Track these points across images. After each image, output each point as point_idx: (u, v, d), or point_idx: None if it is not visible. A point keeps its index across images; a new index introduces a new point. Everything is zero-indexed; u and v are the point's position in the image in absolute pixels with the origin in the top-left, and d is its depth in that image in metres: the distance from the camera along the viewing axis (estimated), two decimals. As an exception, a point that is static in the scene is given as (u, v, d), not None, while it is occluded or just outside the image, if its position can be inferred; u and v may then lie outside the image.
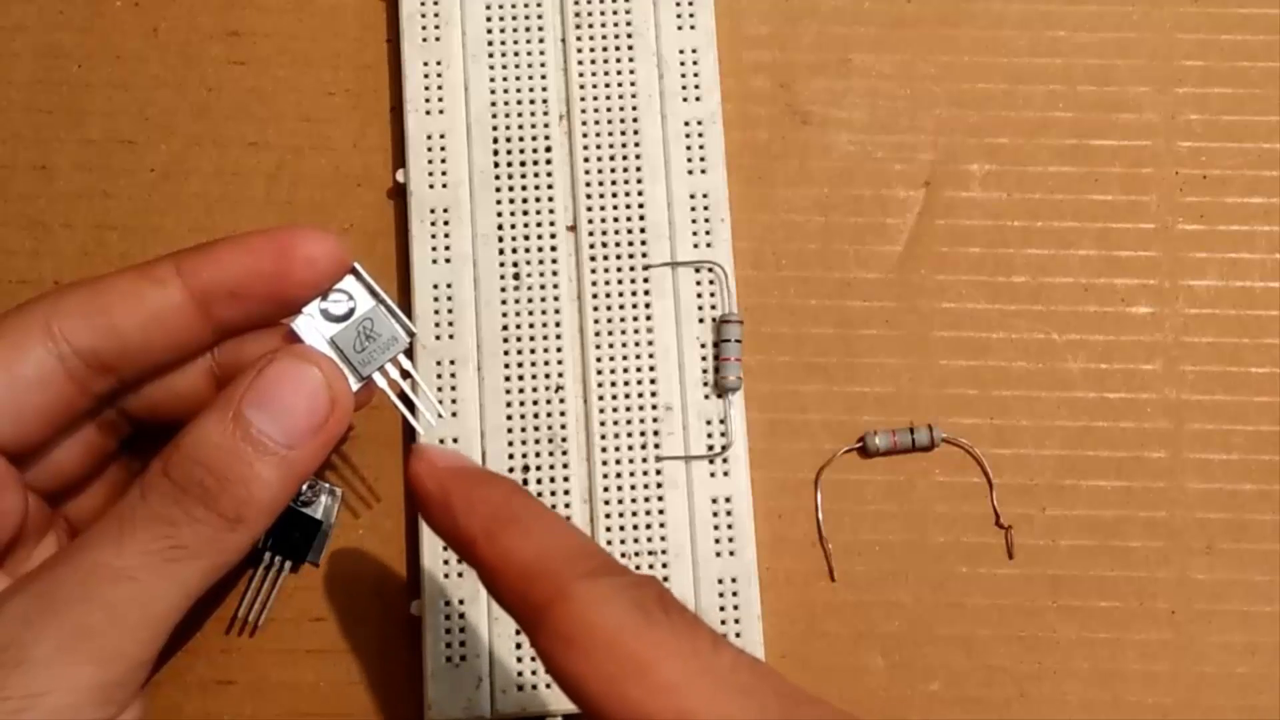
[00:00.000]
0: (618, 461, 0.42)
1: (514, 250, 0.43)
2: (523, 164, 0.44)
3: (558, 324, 0.42)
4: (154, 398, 0.37)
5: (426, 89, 0.44)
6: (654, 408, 0.42)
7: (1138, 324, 0.44)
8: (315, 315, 0.36)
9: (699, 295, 0.43)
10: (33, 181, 0.44)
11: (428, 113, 0.44)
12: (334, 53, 0.46)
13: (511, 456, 0.42)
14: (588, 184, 0.43)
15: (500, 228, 0.43)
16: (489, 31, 0.44)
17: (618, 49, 0.44)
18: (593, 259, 0.43)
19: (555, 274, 0.43)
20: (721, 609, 0.41)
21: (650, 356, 0.42)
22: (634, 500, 0.42)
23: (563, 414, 0.42)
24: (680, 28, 0.44)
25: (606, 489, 0.42)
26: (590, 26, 0.44)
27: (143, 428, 0.38)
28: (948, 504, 0.43)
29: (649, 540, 0.41)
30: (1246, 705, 0.42)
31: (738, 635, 0.41)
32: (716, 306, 0.43)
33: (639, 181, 0.43)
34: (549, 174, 0.43)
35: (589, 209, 0.43)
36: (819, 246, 0.45)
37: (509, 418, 0.42)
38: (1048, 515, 0.43)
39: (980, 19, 0.46)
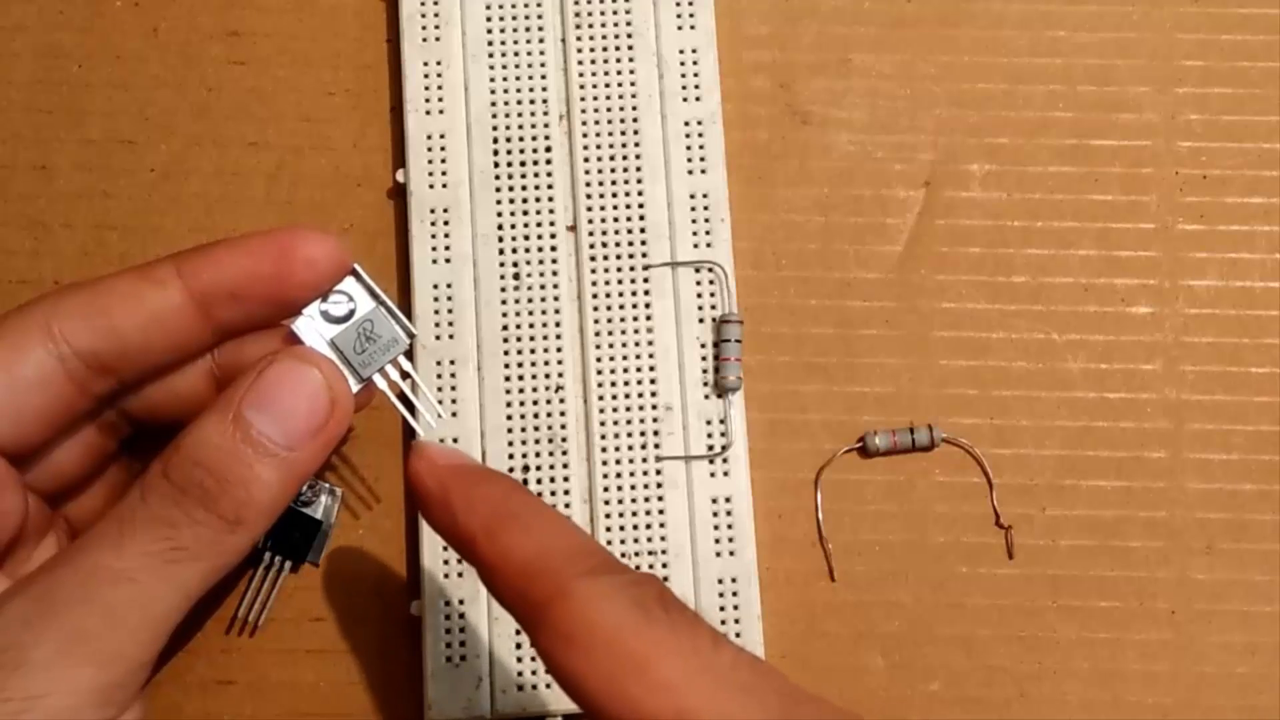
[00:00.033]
0: (618, 461, 0.42)
1: (514, 250, 0.43)
2: (523, 164, 0.44)
3: (558, 324, 0.42)
4: (154, 399, 0.37)
5: (426, 89, 0.44)
6: (654, 408, 0.42)
7: (1138, 324, 0.44)
8: (315, 317, 0.36)
9: (699, 295, 0.43)
10: (33, 181, 0.44)
11: (428, 113, 0.44)
12: (334, 53, 0.46)
13: (511, 456, 0.42)
14: (588, 184, 0.43)
15: (500, 228, 0.43)
16: (489, 31, 0.44)
17: (618, 49, 0.44)
18: (593, 259, 0.43)
19: (555, 274, 0.43)
20: (721, 609, 0.41)
21: (650, 356, 0.42)
22: (634, 500, 0.42)
23: (563, 414, 0.42)
24: (680, 28, 0.44)
25: (606, 489, 0.42)
26: (590, 26, 0.44)
27: (143, 428, 0.38)
28: (948, 504, 0.43)
29: (649, 540, 0.41)
30: (1246, 705, 0.42)
31: (738, 635, 0.41)
32: (716, 306, 0.43)
33: (639, 181, 0.43)
34: (549, 174, 0.43)
35: (589, 209, 0.43)
36: (819, 246, 0.45)
37: (509, 418, 0.42)
38: (1048, 515, 0.43)
39: (980, 19, 0.46)
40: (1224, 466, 0.43)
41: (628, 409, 0.42)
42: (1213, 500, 0.43)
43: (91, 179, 0.45)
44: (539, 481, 0.42)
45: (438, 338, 0.42)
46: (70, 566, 0.32)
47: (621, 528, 0.41)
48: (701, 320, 0.43)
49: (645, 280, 0.43)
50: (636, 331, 0.43)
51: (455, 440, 0.42)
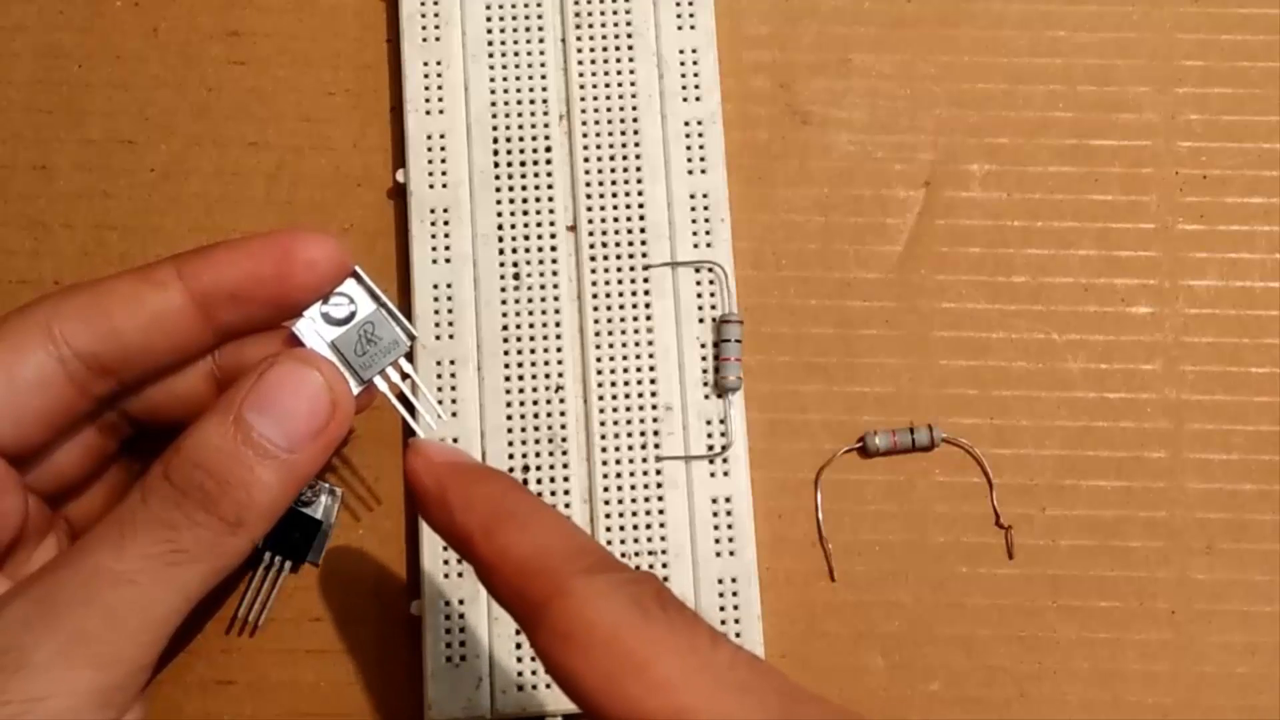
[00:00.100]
0: (618, 461, 0.42)
1: (514, 250, 0.43)
2: (523, 164, 0.44)
3: (558, 324, 0.42)
4: (155, 400, 0.37)
5: (426, 89, 0.44)
6: (654, 408, 0.42)
7: (1138, 324, 0.44)
8: (316, 318, 0.36)
9: (699, 295, 0.43)
10: (33, 181, 0.44)
11: (428, 113, 0.44)
12: (334, 53, 0.46)
13: (511, 456, 0.42)
14: (588, 184, 0.43)
15: (500, 228, 0.43)
16: (489, 31, 0.44)
17: (618, 49, 0.44)
18: (593, 259, 0.43)
19: (555, 274, 0.43)
20: (721, 609, 0.41)
21: (650, 356, 0.42)
22: (634, 500, 0.42)
23: (563, 414, 0.42)
24: (680, 28, 0.44)
25: (606, 489, 0.42)
26: (590, 26, 0.44)
27: (143, 429, 0.38)
28: (948, 504, 0.43)
29: (649, 540, 0.41)
30: (1246, 705, 0.42)
31: (738, 635, 0.41)
32: (716, 306, 0.43)
33: (639, 181, 0.43)
34: (549, 174, 0.43)
35: (589, 209, 0.43)
36: (819, 246, 0.45)
37: (509, 418, 0.42)
38: (1048, 515, 0.43)
39: (980, 19, 0.46)
40: (1224, 466, 0.43)
41: (628, 409, 0.42)
42: (1213, 500, 0.43)
43: (91, 179, 0.45)
44: (539, 481, 0.42)
45: (438, 338, 0.42)
46: (71, 568, 0.32)
47: (621, 528, 0.41)
48: (701, 320, 0.43)
49: (645, 280, 0.43)
50: (636, 331, 0.43)
51: (455, 440, 0.42)
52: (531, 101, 0.44)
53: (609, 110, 0.44)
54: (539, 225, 0.43)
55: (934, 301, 0.44)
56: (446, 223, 0.43)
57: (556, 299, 0.43)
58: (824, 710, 0.28)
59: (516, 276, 0.43)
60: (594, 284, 0.43)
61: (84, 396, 0.35)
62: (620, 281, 0.43)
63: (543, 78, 0.44)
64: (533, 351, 0.42)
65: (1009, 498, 0.43)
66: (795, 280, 0.44)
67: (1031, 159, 0.45)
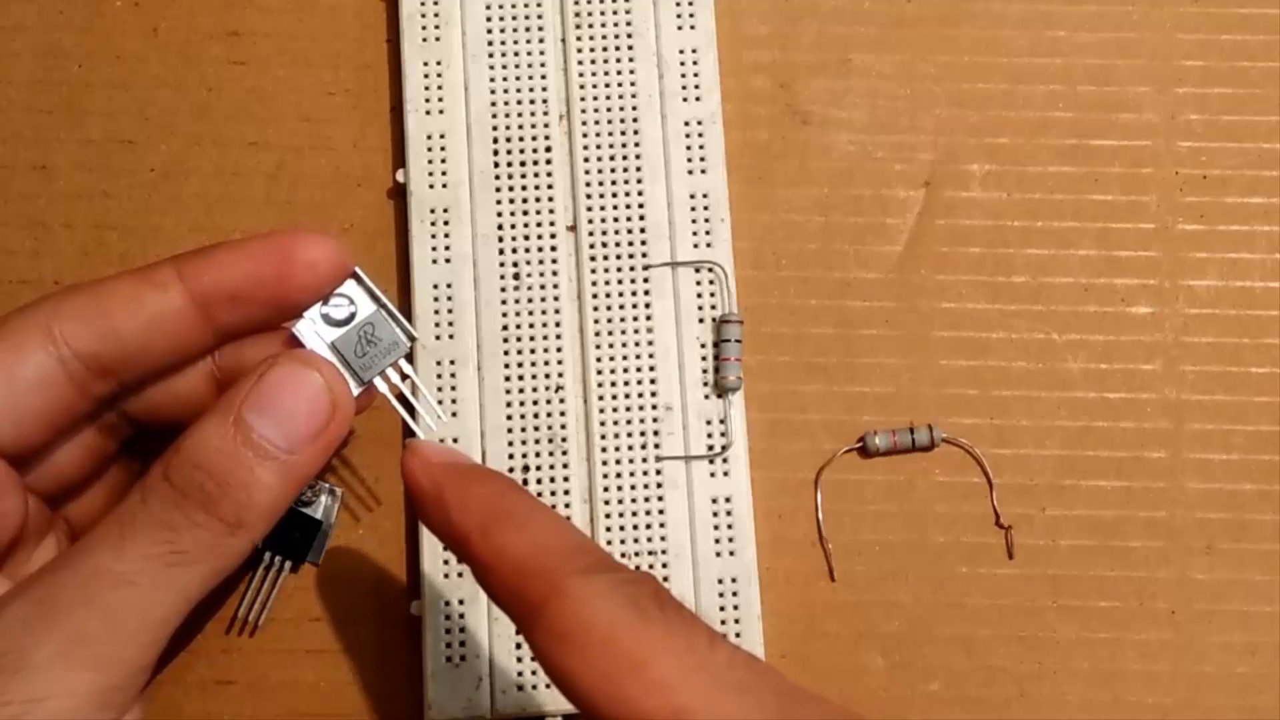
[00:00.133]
0: (618, 461, 0.42)
1: (514, 250, 0.43)
2: (523, 164, 0.44)
3: (558, 324, 0.42)
4: (155, 400, 0.37)
5: (426, 89, 0.44)
6: (654, 408, 0.42)
7: (1138, 324, 0.44)
8: (316, 319, 0.36)
9: (699, 295, 0.43)
10: (33, 181, 0.44)
11: (428, 113, 0.44)
12: (334, 53, 0.46)
13: (511, 456, 0.42)
14: (588, 184, 0.43)
15: (500, 228, 0.43)
16: (489, 31, 0.44)
17: (618, 49, 0.44)
18: (593, 259, 0.43)
19: (555, 274, 0.43)
20: (721, 609, 0.41)
21: (650, 356, 0.42)
22: (634, 500, 0.42)
23: (563, 414, 0.42)
24: (680, 28, 0.44)
25: (606, 489, 0.42)
26: (590, 26, 0.44)
27: (143, 430, 0.38)
28: (948, 504, 0.43)
29: (649, 540, 0.41)
30: (1246, 705, 0.42)
31: (738, 635, 0.41)
32: (716, 306, 0.43)
33: (639, 181, 0.43)
34: (549, 174, 0.43)
35: (589, 209, 0.43)
36: (819, 246, 0.45)
37: (509, 418, 0.42)
38: (1048, 515, 0.43)
39: (980, 19, 0.46)
40: (1224, 466, 0.43)
41: (628, 409, 0.42)
42: (1213, 500, 0.43)
43: (91, 179, 0.45)
44: (539, 481, 0.42)
45: (438, 338, 0.42)
46: (71, 569, 0.32)
47: (621, 528, 0.41)
48: (701, 320, 0.43)
49: (645, 280, 0.43)
50: (636, 331, 0.43)
51: (455, 440, 0.42)
52: (531, 101, 0.44)
53: (609, 110, 0.44)
54: (539, 225, 0.43)
55: (934, 301, 0.44)
56: (446, 223, 0.43)
57: (556, 299, 0.43)
58: (823, 710, 0.28)
59: (516, 276, 0.43)
60: (594, 284, 0.43)
61: (84, 397, 0.35)
62: (620, 281, 0.43)
63: (543, 78, 0.44)
64: (533, 351, 0.42)
65: (1009, 498, 0.43)
66: (795, 280, 0.44)
67: (1031, 159, 0.45)
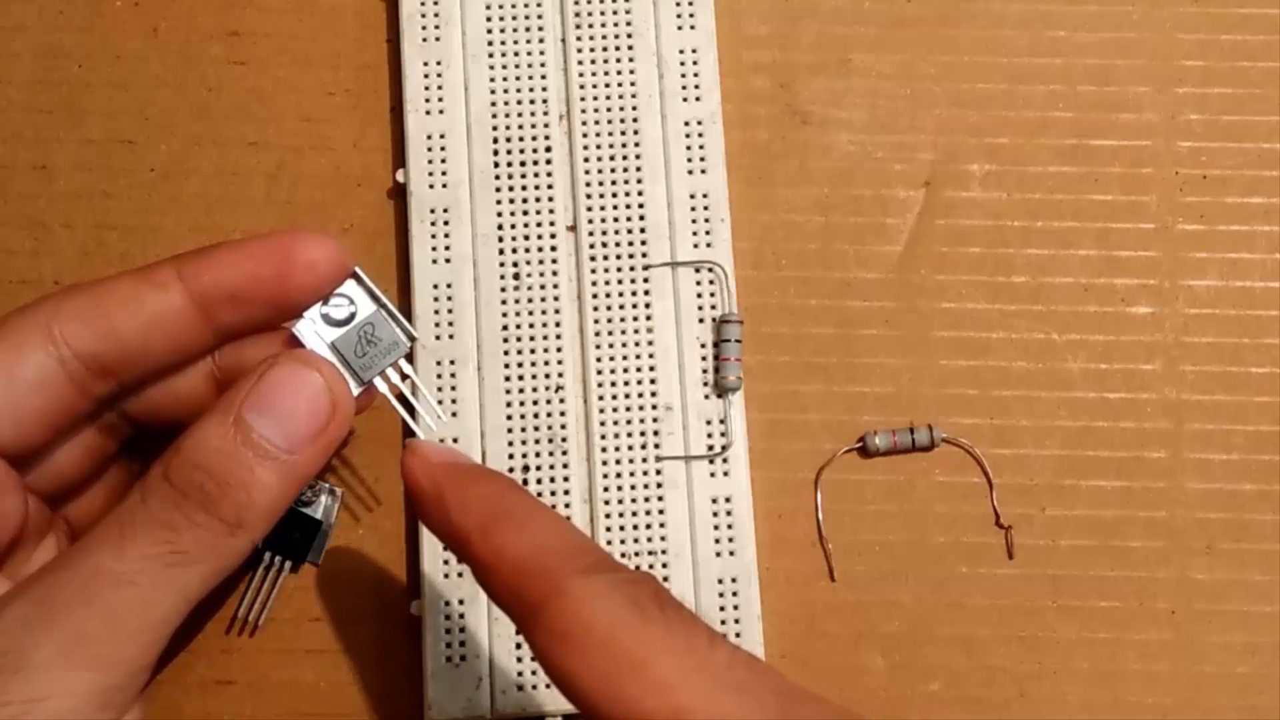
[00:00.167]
0: (618, 461, 0.42)
1: (514, 250, 0.43)
2: (523, 164, 0.44)
3: (558, 324, 0.42)
4: (154, 400, 0.37)
5: (426, 89, 0.44)
6: (654, 408, 0.42)
7: (1138, 324, 0.44)
8: (316, 319, 0.36)
9: (699, 295, 0.43)
10: (33, 181, 0.44)
11: (428, 113, 0.44)
12: (334, 53, 0.46)
13: (511, 456, 0.42)
14: (588, 184, 0.43)
15: (500, 228, 0.43)
16: (489, 31, 0.44)
17: (618, 49, 0.44)
18: (593, 259, 0.43)
19: (555, 274, 0.43)
20: (721, 609, 0.41)
21: (650, 356, 0.42)
22: (634, 500, 0.42)
23: (563, 414, 0.42)
24: (680, 28, 0.44)
25: (606, 489, 0.42)
26: (590, 26, 0.44)
27: (143, 430, 0.38)
28: (948, 504, 0.43)
29: (649, 540, 0.41)
30: (1246, 705, 0.42)
31: (738, 635, 0.41)
32: (716, 306, 0.43)
33: (639, 181, 0.43)
34: (549, 174, 0.43)
35: (589, 209, 0.43)
36: (819, 246, 0.45)
37: (509, 418, 0.42)
38: (1048, 515, 0.43)
39: (980, 19, 0.46)
40: (1224, 466, 0.43)
41: (628, 409, 0.42)
42: (1213, 500, 0.43)
43: (91, 179, 0.45)
44: (539, 481, 0.42)
45: (438, 338, 0.42)
46: (70, 569, 0.32)
47: (621, 528, 0.41)
48: (701, 320, 0.43)
49: (645, 280, 0.43)
50: (636, 331, 0.43)
51: (455, 440, 0.42)
52: (531, 101, 0.44)
53: (609, 110, 0.44)
54: (539, 225, 0.43)
55: (934, 301, 0.44)
56: (446, 223, 0.43)
57: (556, 299, 0.43)
58: (822, 710, 0.28)
59: (516, 276, 0.43)
60: (594, 284, 0.43)
61: (84, 397, 0.35)
62: (620, 281, 0.43)
63: (543, 78, 0.44)
64: (533, 351, 0.42)
65: (1009, 498, 0.43)
66: (795, 280, 0.44)
67: (1031, 159, 0.45)
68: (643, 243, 0.43)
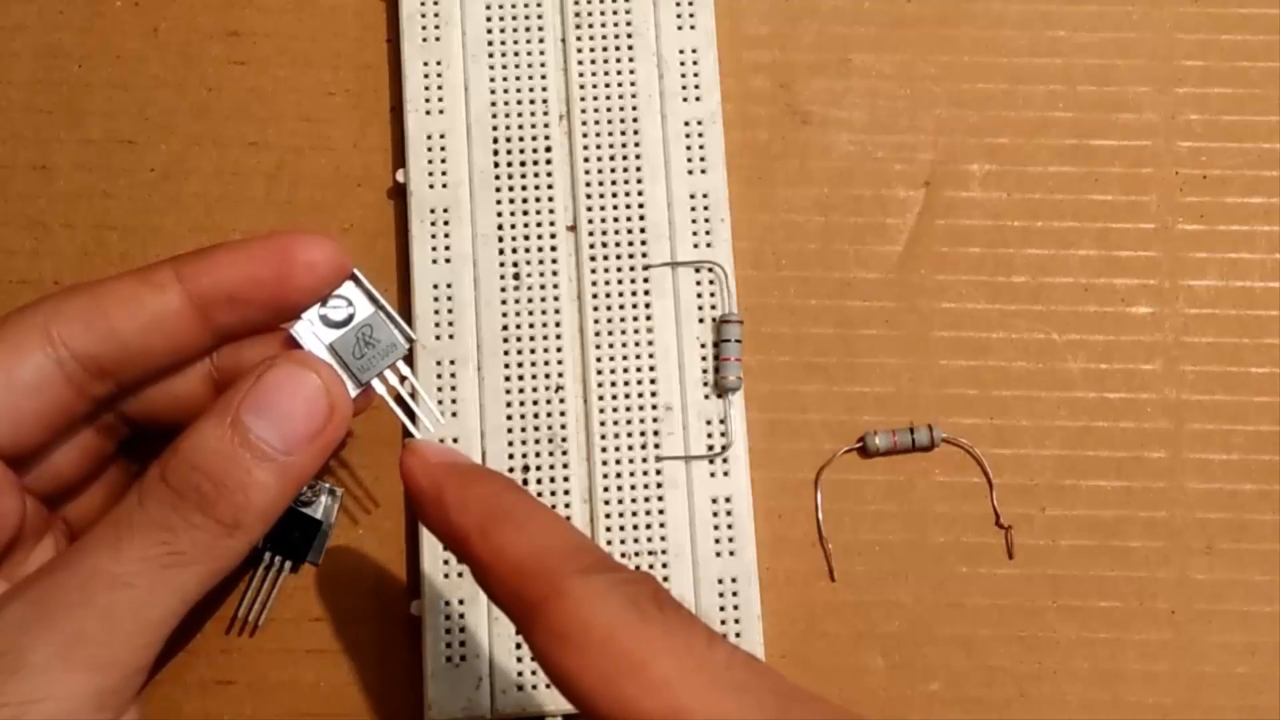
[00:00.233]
0: (618, 461, 0.42)
1: (514, 250, 0.43)
2: (523, 164, 0.44)
3: (558, 324, 0.42)
4: (153, 402, 0.37)
5: (426, 89, 0.44)
6: (654, 408, 0.42)
7: (1138, 324, 0.44)
8: (314, 321, 0.36)
9: (699, 295, 0.43)
10: (33, 181, 0.45)
11: (428, 113, 0.44)
12: (334, 53, 0.46)
13: (511, 456, 0.42)
14: (588, 184, 0.43)
15: (500, 228, 0.43)
16: (489, 31, 0.44)
17: (618, 49, 0.44)
18: (593, 259, 0.43)
19: (555, 274, 0.43)
20: (721, 609, 0.41)
21: (650, 356, 0.42)
22: (634, 500, 0.42)
23: (563, 414, 0.42)
24: (680, 28, 0.44)
25: (606, 489, 0.42)
26: (590, 26, 0.44)
27: (141, 430, 0.38)
28: (948, 504, 0.43)
29: (649, 540, 0.41)
30: (1246, 705, 0.42)
31: (738, 635, 0.41)
32: (716, 306, 0.43)
33: (639, 181, 0.43)
34: (549, 174, 0.43)
35: (589, 209, 0.43)
36: (819, 246, 0.45)
37: (509, 418, 0.42)
38: (1048, 515, 0.43)
39: (980, 19, 0.46)
40: (1224, 466, 0.43)
41: (628, 409, 0.42)
42: (1213, 500, 0.43)
43: (91, 179, 0.45)
44: (539, 481, 0.42)
45: (438, 338, 0.42)
46: (68, 570, 0.32)
47: (621, 528, 0.41)
48: (701, 320, 0.43)
49: (645, 280, 0.43)
50: (636, 331, 0.43)
51: (455, 440, 0.42)
52: (531, 101, 0.44)
53: (609, 110, 0.44)
54: (539, 225, 0.43)
55: (934, 301, 0.44)
56: (446, 223, 0.43)
57: (556, 299, 0.43)
58: (821, 710, 0.28)
59: (516, 276, 0.43)
60: (594, 284, 0.43)
61: (82, 398, 0.35)
62: (620, 281, 0.43)
63: (543, 78, 0.44)
64: (533, 351, 0.42)
65: (1009, 498, 0.43)
66: (795, 280, 0.44)
67: (1031, 159, 0.45)
68: (643, 243, 0.43)
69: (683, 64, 0.44)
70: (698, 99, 0.44)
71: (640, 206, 0.43)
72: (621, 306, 0.43)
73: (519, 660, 0.40)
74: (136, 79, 0.45)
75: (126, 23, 0.46)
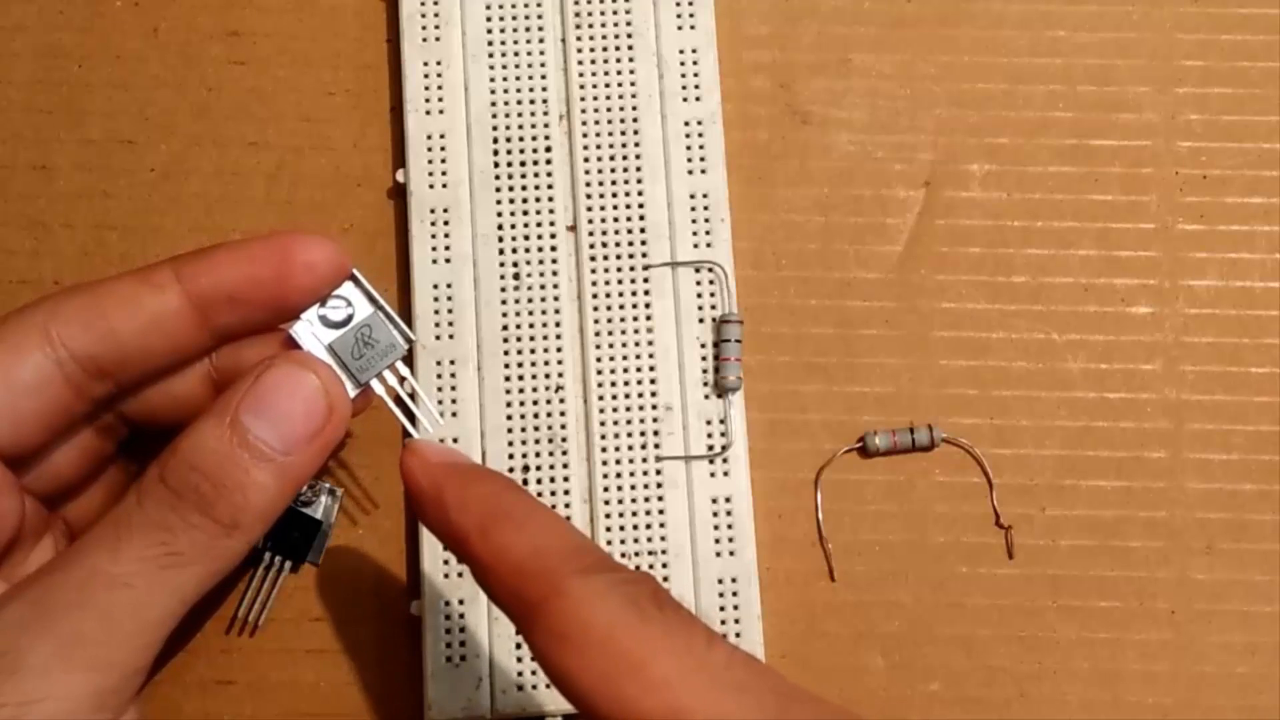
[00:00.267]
0: (618, 461, 0.42)
1: (514, 250, 0.43)
2: (523, 164, 0.44)
3: (558, 324, 0.42)
4: (152, 402, 0.37)
5: (426, 89, 0.44)
6: (654, 408, 0.42)
7: (1138, 324, 0.44)
8: (314, 321, 0.36)
9: (699, 295, 0.43)
10: (33, 181, 0.45)
11: (428, 113, 0.44)
12: (334, 53, 0.46)
13: (511, 456, 0.42)
14: (588, 184, 0.43)
15: (500, 228, 0.43)
16: (489, 31, 0.44)
17: (618, 49, 0.44)
18: (593, 259, 0.43)
19: (555, 274, 0.43)
20: (721, 609, 0.41)
21: (650, 356, 0.42)
22: (634, 500, 0.42)
23: (563, 414, 0.42)
24: (680, 28, 0.44)
25: (606, 489, 0.42)
26: (590, 26, 0.44)
27: (141, 431, 0.38)
28: (948, 504, 0.43)
29: (649, 540, 0.41)
30: (1246, 705, 0.42)
31: (738, 635, 0.41)
32: (716, 306, 0.43)
33: (639, 181, 0.43)
34: (549, 174, 0.43)
35: (589, 209, 0.43)
36: (819, 246, 0.45)
37: (509, 418, 0.42)
38: (1048, 515, 0.43)
39: (980, 19, 0.46)
40: (1224, 466, 0.43)
41: (628, 409, 0.42)
42: (1213, 500, 0.43)
43: (91, 179, 0.45)
44: (539, 481, 0.42)
45: (438, 338, 0.42)
46: (67, 571, 0.32)
47: (621, 528, 0.41)
48: (701, 320, 0.43)
49: (645, 280, 0.43)
50: (636, 331, 0.43)
51: (455, 440, 0.42)
52: (531, 101, 0.44)
53: (609, 110, 0.44)
54: (539, 225, 0.43)
55: (934, 301, 0.44)
56: (446, 223, 0.43)
57: (556, 299, 0.43)
58: (821, 710, 0.28)
59: (516, 276, 0.43)
60: (594, 284, 0.43)
61: (81, 398, 0.35)
62: (620, 281, 0.43)
63: (543, 78, 0.44)
64: (533, 351, 0.42)
65: (1009, 498, 0.43)
66: (795, 280, 0.44)
67: (1031, 159, 0.45)
68: (643, 243, 0.43)
69: (683, 64, 0.44)
70: (698, 99, 0.44)
71: (640, 206, 0.43)
72: (621, 306, 0.43)
73: (519, 660, 0.40)
74: (136, 79, 0.45)
75: (126, 23, 0.46)
